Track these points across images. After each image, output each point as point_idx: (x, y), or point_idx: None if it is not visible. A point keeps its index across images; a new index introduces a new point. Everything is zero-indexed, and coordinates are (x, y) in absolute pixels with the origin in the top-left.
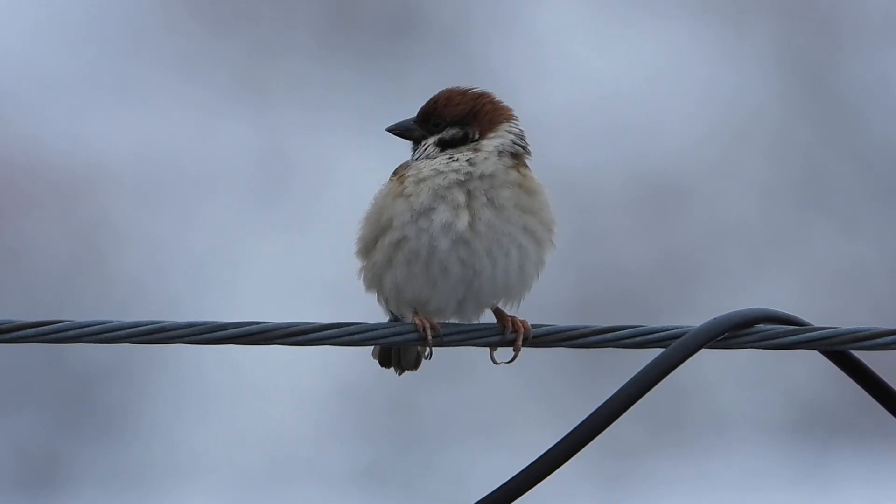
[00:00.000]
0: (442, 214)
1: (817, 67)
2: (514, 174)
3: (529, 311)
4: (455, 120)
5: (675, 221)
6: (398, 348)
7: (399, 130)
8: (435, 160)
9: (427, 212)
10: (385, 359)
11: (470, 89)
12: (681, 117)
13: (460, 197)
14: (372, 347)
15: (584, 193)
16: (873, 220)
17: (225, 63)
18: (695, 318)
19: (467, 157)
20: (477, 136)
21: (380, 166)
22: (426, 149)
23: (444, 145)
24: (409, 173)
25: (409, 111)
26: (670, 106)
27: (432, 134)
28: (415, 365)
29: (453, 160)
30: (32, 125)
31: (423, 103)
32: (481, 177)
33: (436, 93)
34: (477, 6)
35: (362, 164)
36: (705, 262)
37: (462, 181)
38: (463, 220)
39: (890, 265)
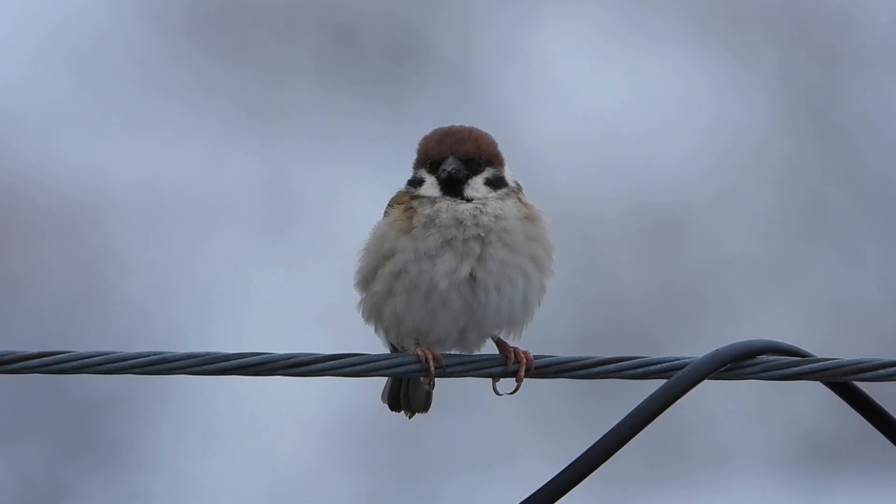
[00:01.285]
0: (447, 262)
1: (821, 99)
2: (522, 208)
3: (531, 342)
4: (488, 160)
5: (677, 252)
6: (406, 390)
7: (454, 171)
8: (465, 205)
9: (432, 256)
10: (395, 402)
11: (463, 126)
12: (682, 148)
13: (476, 247)
14: (381, 390)
15: (585, 224)
16: (876, 252)
17: (230, 93)
18: (697, 349)
19: (499, 206)
20: (503, 174)
21: (385, 196)
22: (477, 188)
23: (489, 184)
24: (420, 210)
25: (412, 140)
26: (672, 136)
27: (477, 174)
28: (424, 407)
29: (482, 208)
30: (37, 153)
31: (425, 132)
32: (499, 222)
33: (436, 129)
34: (479, 36)
35: (368, 195)
36: (708, 294)
37: (482, 231)
38: (466, 268)
39: (892, 297)
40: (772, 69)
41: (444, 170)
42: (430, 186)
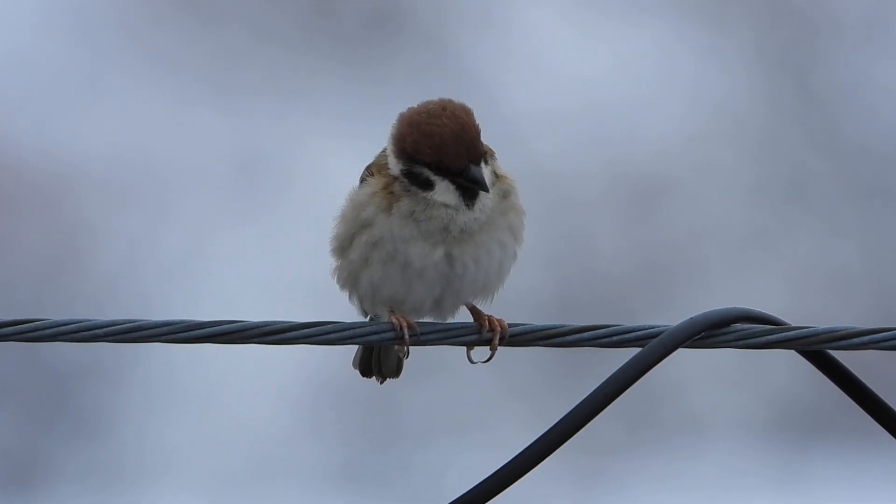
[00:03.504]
0: (420, 248)
1: (800, 67)
2: (498, 186)
3: (507, 309)
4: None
5: (656, 221)
6: (378, 356)
7: (485, 183)
8: (462, 216)
9: (407, 241)
10: (366, 368)
11: (454, 111)
12: (662, 117)
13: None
14: (352, 357)
15: (564, 193)
16: (856, 220)
17: (200, 57)
18: (677, 317)
19: (489, 203)
20: (490, 160)
21: (358, 162)
22: (490, 195)
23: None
24: (405, 201)
25: (390, 109)
26: (652, 105)
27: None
28: (396, 372)
29: (479, 216)
30: (4, 124)
31: (400, 98)
32: (480, 218)
33: (439, 126)
34: (458, 3)
35: (340, 160)
36: (687, 262)
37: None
38: (440, 253)
39: (873, 265)
40: (751, 38)
41: (473, 179)
42: (446, 193)
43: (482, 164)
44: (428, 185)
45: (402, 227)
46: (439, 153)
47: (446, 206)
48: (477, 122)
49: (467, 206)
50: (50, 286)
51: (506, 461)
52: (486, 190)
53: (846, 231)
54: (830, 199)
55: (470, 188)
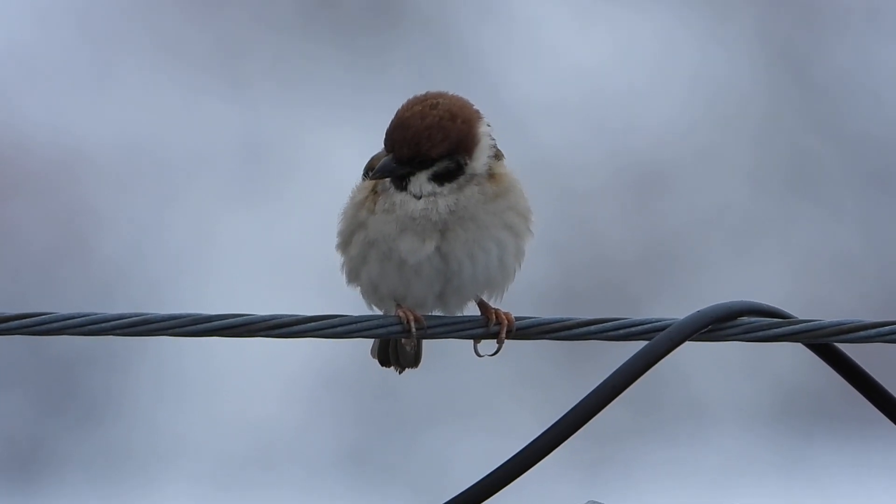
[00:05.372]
0: (409, 243)
1: (803, 53)
2: (490, 188)
3: (513, 303)
4: (441, 155)
5: (660, 210)
6: (395, 346)
7: (384, 175)
8: (415, 203)
9: (395, 238)
10: (384, 357)
11: (433, 106)
12: (664, 104)
13: (434, 234)
14: (370, 346)
15: (567, 182)
16: (860, 208)
17: (207, 49)
18: (681, 305)
19: (454, 199)
20: (467, 161)
21: (363, 150)
22: (420, 186)
23: (439, 178)
24: (382, 196)
25: (393, 97)
26: (653, 92)
27: (422, 169)
28: (415, 363)
29: (435, 207)
30: (9, 111)
31: (402, 88)
32: (454, 215)
33: (397, 118)
34: None
35: (346, 148)
36: (691, 250)
37: (438, 226)
38: (430, 246)
39: (876, 252)
40: (752, 24)
41: (378, 169)
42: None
43: (432, 166)
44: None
45: (385, 224)
46: (386, 136)
47: (393, 190)
48: (438, 135)
49: (400, 188)
50: (56, 273)
51: (514, 449)
52: (396, 178)
53: (849, 217)
54: (833, 185)
55: (378, 178)
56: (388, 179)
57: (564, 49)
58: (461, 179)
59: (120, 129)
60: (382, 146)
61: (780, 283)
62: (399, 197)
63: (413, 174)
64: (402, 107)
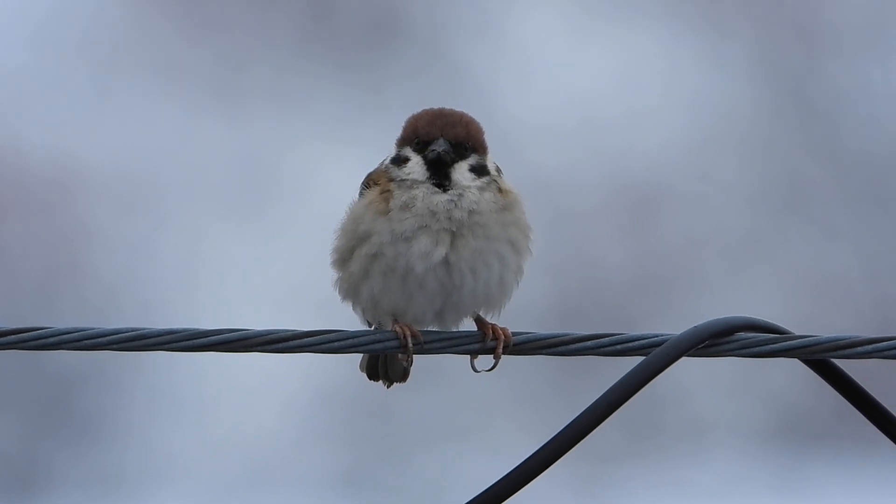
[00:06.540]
0: (422, 245)
1: (798, 74)
2: (500, 198)
3: (509, 318)
4: (474, 147)
5: (656, 228)
6: (385, 360)
7: (440, 156)
8: (440, 196)
9: (408, 239)
10: (373, 372)
11: (445, 107)
12: (661, 125)
13: (446, 238)
14: (359, 361)
15: (564, 201)
16: (855, 228)
17: (202, 69)
18: (677, 325)
19: (476, 199)
20: (486, 163)
21: (358, 168)
22: (462, 174)
23: (474, 172)
24: (397, 193)
25: (387, 116)
26: (649, 113)
27: (463, 159)
28: (403, 377)
29: (459, 201)
30: (7, 132)
31: (399, 109)
32: (472, 217)
33: (427, 110)
34: (455, 12)
35: (341, 166)
36: (686, 270)
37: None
38: (441, 252)
39: (870, 271)
40: (749, 46)
41: (434, 150)
42: (416, 166)
43: (469, 156)
44: (405, 162)
45: (400, 223)
46: (415, 126)
47: (416, 182)
48: (475, 125)
49: (439, 184)
50: (51, 293)
51: (510, 468)
52: (446, 161)
53: (845, 238)
54: (829, 206)
55: (435, 160)
56: (411, 175)
57: (561, 70)
58: (485, 179)
59: (116, 149)
60: (395, 149)
61: (775, 303)
62: (421, 190)
63: (457, 161)
64: (420, 111)
